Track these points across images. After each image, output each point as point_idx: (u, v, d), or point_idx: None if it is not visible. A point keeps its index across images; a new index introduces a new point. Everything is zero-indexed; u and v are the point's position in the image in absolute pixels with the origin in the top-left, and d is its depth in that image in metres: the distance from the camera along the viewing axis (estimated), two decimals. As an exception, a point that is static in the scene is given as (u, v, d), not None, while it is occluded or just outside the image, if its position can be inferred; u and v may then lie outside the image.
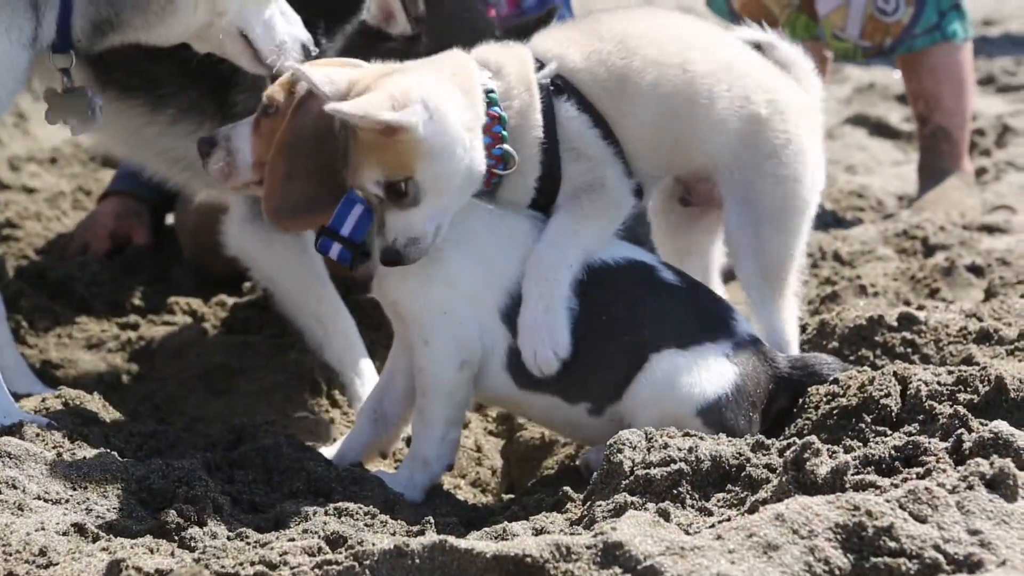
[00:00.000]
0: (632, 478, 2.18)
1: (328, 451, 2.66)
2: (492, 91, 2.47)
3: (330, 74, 2.41)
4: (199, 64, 2.92)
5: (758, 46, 2.74)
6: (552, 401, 2.52)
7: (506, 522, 2.23)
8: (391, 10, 2.77)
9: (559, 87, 2.52)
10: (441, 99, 2.37)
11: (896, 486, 1.94)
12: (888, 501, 1.86)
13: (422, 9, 2.81)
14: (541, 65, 2.53)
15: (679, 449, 2.22)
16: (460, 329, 2.49)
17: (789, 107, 2.66)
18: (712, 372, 2.46)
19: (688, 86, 2.56)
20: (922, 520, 1.84)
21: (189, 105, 3.07)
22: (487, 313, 2.50)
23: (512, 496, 2.81)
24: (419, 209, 2.38)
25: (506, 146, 2.46)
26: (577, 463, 2.68)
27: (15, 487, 2.17)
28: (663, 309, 2.52)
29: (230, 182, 2.55)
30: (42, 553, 2.00)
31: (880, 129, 6.07)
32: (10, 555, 1.98)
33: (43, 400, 2.64)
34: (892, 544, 1.80)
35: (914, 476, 1.98)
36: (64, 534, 2.08)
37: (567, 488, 2.38)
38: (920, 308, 3.11)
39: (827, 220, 4.40)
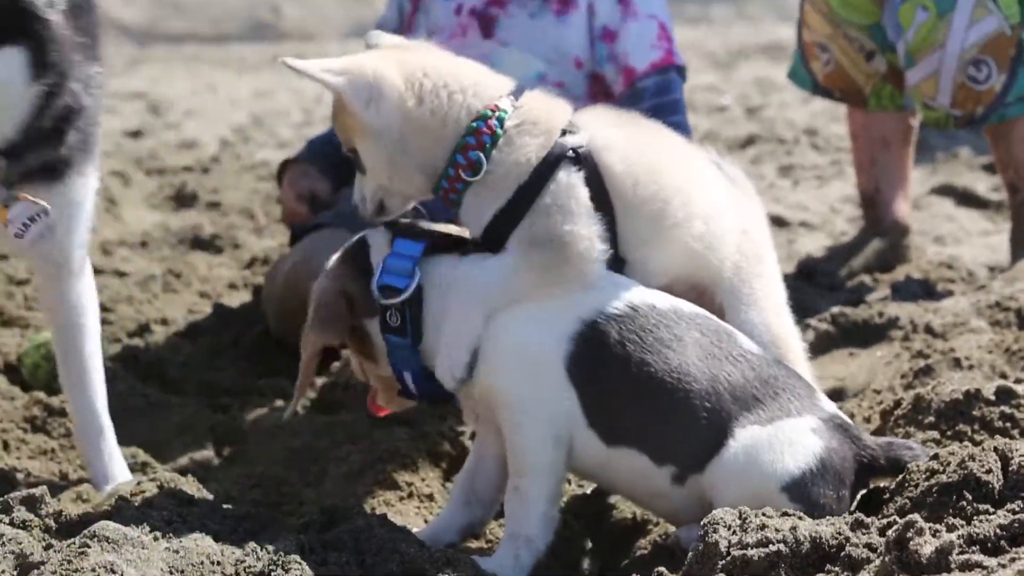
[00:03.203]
0: (729, 559, 2.15)
1: (422, 532, 2.66)
2: (505, 111, 2.54)
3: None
4: None
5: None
6: (639, 461, 2.50)
7: (602, 604, 2.21)
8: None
9: (577, 157, 2.53)
10: (391, 86, 2.50)
11: (1004, 566, 1.89)
12: (996, 582, 1.82)
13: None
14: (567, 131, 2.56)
15: (776, 529, 2.18)
16: (550, 404, 2.49)
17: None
18: (796, 447, 2.44)
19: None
20: (1033, 602, 1.80)
21: None
22: (558, 372, 2.49)
23: (605, 577, 2.79)
24: (367, 178, 2.57)
25: (480, 154, 2.51)
26: (668, 542, 2.65)
27: (113, 571, 2.19)
28: (744, 379, 2.50)
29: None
30: (141, 638, 2.00)
31: (967, 199, 6.01)
32: (110, 640, 1.99)
33: (139, 484, 2.66)
34: (1002, 626, 1.76)
35: (1022, 556, 1.93)
36: (163, 618, 2.09)
37: (661, 569, 2.35)
38: (1018, 381, 3.05)
39: (917, 292, 4.35)
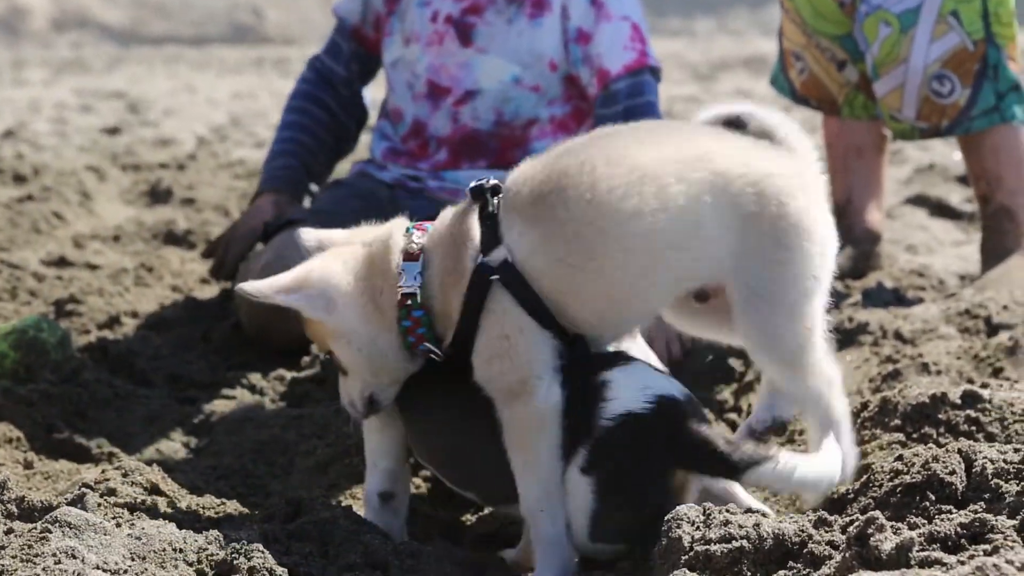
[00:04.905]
0: (691, 554, 2.16)
1: None
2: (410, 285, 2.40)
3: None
4: None
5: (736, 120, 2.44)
6: None
7: (564, 597, 2.21)
8: None
9: (503, 279, 2.32)
10: (339, 291, 2.41)
11: (963, 563, 1.90)
12: (955, 578, 1.83)
13: None
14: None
15: (740, 526, 2.19)
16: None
17: (781, 189, 2.35)
18: None
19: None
20: (990, 598, 1.80)
21: None
22: None
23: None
24: (350, 378, 2.49)
25: (427, 344, 2.41)
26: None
27: (75, 557, 2.18)
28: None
29: None
30: (100, 622, 1.99)
31: (941, 209, 6.04)
32: (68, 623, 1.98)
33: (103, 472, 2.65)
34: (960, 622, 1.76)
35: (981, 553, 1.94)
36: (122, 603, 2.08)
37: (624, 564, 2.36)
38: (984, 386, 3.06)
39: (888, 299, 4.36)
